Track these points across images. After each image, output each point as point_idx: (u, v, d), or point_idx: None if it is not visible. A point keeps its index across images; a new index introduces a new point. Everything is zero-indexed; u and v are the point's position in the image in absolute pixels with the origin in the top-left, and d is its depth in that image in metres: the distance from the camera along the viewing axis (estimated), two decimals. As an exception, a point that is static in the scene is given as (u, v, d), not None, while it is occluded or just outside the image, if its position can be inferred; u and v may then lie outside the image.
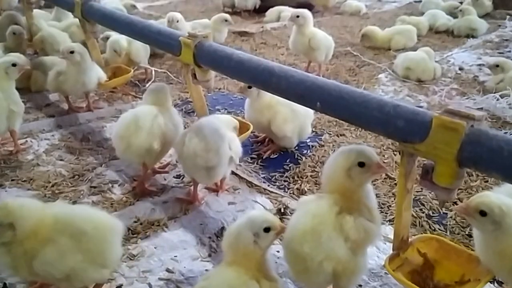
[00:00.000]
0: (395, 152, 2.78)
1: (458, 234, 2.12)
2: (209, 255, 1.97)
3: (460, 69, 4.20)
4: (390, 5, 7.03)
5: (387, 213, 2.27)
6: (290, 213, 2.23)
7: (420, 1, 6.81)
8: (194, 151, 2.06)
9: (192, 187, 2.31)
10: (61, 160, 2.67)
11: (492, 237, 1.52)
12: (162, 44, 2.49)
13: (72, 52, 2.92)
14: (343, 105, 1.67)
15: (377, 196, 2.38)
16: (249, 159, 2.75)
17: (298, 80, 1.81)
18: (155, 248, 1.99)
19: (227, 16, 4.01)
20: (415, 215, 2.22)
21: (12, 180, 2.45)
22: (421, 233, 2.12)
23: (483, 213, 1.50)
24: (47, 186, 2.40)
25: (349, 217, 1.51)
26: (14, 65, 2.64)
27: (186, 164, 2.18)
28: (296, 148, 2.84)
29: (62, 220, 1.57)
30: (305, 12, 3.82)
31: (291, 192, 2.44)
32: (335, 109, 1.72)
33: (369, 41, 4.77)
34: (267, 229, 1.49)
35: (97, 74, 3.19)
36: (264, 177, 2.57)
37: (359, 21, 6.00)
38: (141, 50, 3.65)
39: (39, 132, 2.96)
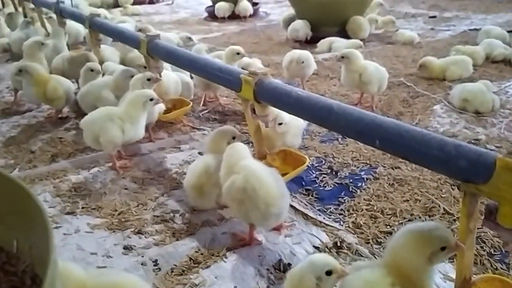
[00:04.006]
0: (453, 187, 2.73)
1: (522, 274, 2.06)
2: (268, 287, 2.01)
3: (520, 100, 4.09)
4: (443, 34, 6.94)
5: (446, 250, 2.23)
6: (347, 247, 2.25)
7: (476, 29, 6.71)
8: (265, 201, 2.03)
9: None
10: (125, 189, 2.82)
11: None
12: (223, 80, 2.62)
13: (149, 80, 3.15)
14: (402, 144, 1.71)
15: (436, 232, 2.35)
16: (304, 190, 2.79)
17: (356, 118, 1.87)
18: (215, 278, 2.06)
19: (239, 48, 4.07)
20: (476, 253, 2.17)
21: (83, 208, 2.62)
22: (482, 272, 2.07)
23: None
24: (114, 215, 2.54)
25: None
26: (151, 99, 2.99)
27: (251, 214, 2.09)
28: (351, 180, 2.86)
29: None
30: (350, 52, 3.87)
31: (347, 225, 2.45)
32: (395, 147, 1.76)
33: (426, 72, 4.74)
34: (329, 272, 1.54)
35: (158, 106, 3.37)
36: (319, 210, 2.61)
37: (412, 51, 5.96)
38: (171, 83, 3.73)
39: (105, 162, 3.14)
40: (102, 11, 7.64)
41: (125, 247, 2.27)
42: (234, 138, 2.46)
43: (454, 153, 1.54)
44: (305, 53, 4.35)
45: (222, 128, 2.57)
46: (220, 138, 2.46)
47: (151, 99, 2.93)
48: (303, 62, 4.26)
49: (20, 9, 7.35)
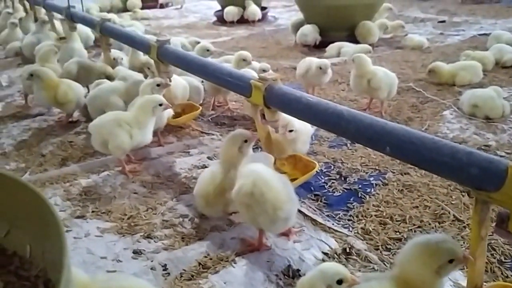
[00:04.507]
0: (463, 193, 2.72)
1: (533, 282, 2.03)
2: (277, 293, 2.01)
3: (530, 106, 4.05)
4: (452, 39, 6.91)
5: (456, 257, 2.22)
6: (356, 253, 2.25)
7: (485, 34, 6.67)
8: (273, 205, 2.03)
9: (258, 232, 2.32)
10: (135, 193, 2.83)
11: None
12: (233, 85, 2.63)
13: (158, 85, 3.18)
14: (413, 150, 1.70)
15: (445, 239, 2.34)
16: (313, 196, 2.79)
17: (367, 124, 1.87)
18: (224, 283, 2.06)
19: (246, 55, 4.09)
20: (487, 261, 2.15)
21: (93, 211, 2.63)
22: (493, 280, 2.06)
23: None
24: (123, 219, 2.55)
25: None
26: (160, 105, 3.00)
27: (259, 218, 2.09)
28: (360, 186, 2.85)
29: None
30: (360, 56, 3.88)
31: (356, 231, 2.44)
32: (405, 154, 1.75)
33: (435, 77, 4.71)
34: (339, 282, 1.54)
35: (166, 111, 3.38)
36: (328, 215, 2.60)
37: (421, 56, 5.94)
38: (179, 88, 3.75)
39: (115, 166, 3.16)
40: (112, 16, 7.69)
41: (134, 252, 2.28)
42: (246, 141, 2.41)
43: (465, 161, 1.54)
44: (325, 61, 4.27)
45: (233, 132, 2.55)
46: (230, 143, 2.44)
47: (160, 104, 2.95)
48: (320, 68, 4.16)
49: (28, 13, 7.41)
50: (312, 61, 4.30)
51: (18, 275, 1.19)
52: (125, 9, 11.08)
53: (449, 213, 2.54)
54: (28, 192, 1.19)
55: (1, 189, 1.26)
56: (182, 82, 3.76)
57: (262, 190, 2.04)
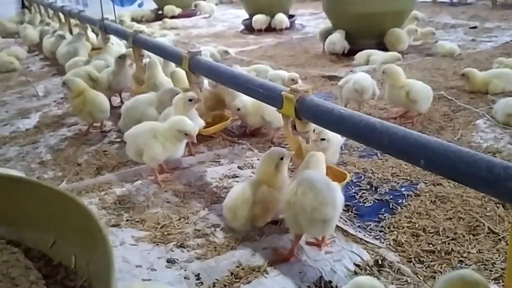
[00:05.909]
0: (497, 205, 2.66)
1: None
2: (309, 305, 2.02)
3: None
4: (485, 45, 6.77)
5: (491, 271, 2.18)
6: (388, 265, 2.23)
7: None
8: (311, 206, 2.08)
9: (293, 241, 2.35)
10: (168, 202, 2.89)
11: None
12: (264, 97, 2.66)
13: (190, 100, 3.22)
14: (448, 164, 1.69)
15: (480, 251, 2.31)
16: (343, 206, 2.77)
17: (400, 137, 1.87)
18: (257, 294, 2.09)
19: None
20: (524, 275, 2.11)
21: (127, 220, 2.69)
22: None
23: None
24: (157, 228, 2.60)
25: None
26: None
27: (298, 219, 2.17)
28: (391, 197, 2.83)
29: None
30: (391, 67, 3.87)
31: (388, 243, 2.42)
32: (440, 168, 1.74)
33: (468, 82, 4.63)
34: None
35: (198, 121, 3.43)
36: (359, 226, 2.59)
37: (452, 63, 5.84)
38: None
39: (148, 176, 3.23)
40: (138, 26, 7.82)
41: (168, 260, 2.32)
42: (282, 158, 2.45)
43: (503, 175, 1.52)
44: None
45: (269, 151, 2.58)
46: (268, 161, 2.48)
47: (186, 134, 2.97)
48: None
49: (63, 24, 7.62)
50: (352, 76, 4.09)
51: (64, 285, 1.25)
52: (155, 19, 11.36)
53: (483, 225, 2.49)
54: (75, 205, 1.25)
55: (48, 202, 1.32)
56: None
57: (305, 189, 2.12)
